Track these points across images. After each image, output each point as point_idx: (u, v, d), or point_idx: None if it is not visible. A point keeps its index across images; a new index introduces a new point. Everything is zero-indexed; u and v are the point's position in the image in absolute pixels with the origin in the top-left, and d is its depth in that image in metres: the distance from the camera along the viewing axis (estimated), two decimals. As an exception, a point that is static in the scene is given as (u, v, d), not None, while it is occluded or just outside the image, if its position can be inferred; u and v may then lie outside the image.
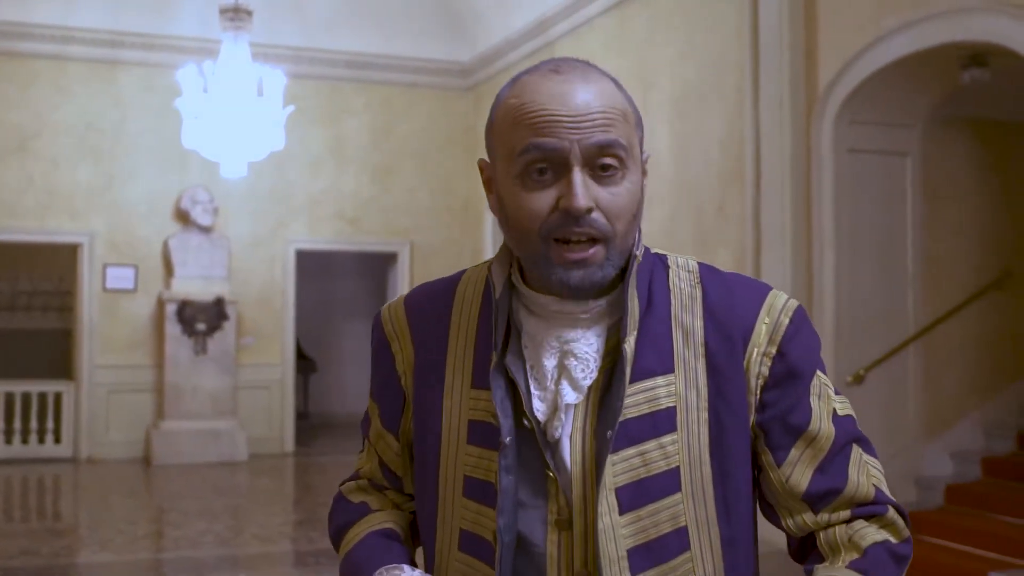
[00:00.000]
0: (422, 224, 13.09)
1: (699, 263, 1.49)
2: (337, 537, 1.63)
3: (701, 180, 8.66)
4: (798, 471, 1.43)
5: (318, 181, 12.75)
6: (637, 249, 1.43)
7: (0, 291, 14.31)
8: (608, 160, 1.35)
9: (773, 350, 1.42)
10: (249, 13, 9.61)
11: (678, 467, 1.39)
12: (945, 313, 7.78)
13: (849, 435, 1.46)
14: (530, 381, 1.42)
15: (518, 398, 1.43)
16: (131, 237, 12.05)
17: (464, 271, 1.58)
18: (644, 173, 1.43)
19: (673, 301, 1.44)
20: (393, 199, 13.01)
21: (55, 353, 13.69)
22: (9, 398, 11.94)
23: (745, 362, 1.42)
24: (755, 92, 7.72)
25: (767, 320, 1.43)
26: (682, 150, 8.94)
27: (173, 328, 11.81)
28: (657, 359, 1.41)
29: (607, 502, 1.37)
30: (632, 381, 1.39)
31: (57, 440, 11.92)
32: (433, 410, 1.49)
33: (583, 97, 1.35)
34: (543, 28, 11.17)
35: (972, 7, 6.08)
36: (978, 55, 6.57)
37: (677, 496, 1.39)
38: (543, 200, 1.35)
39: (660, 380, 1.40)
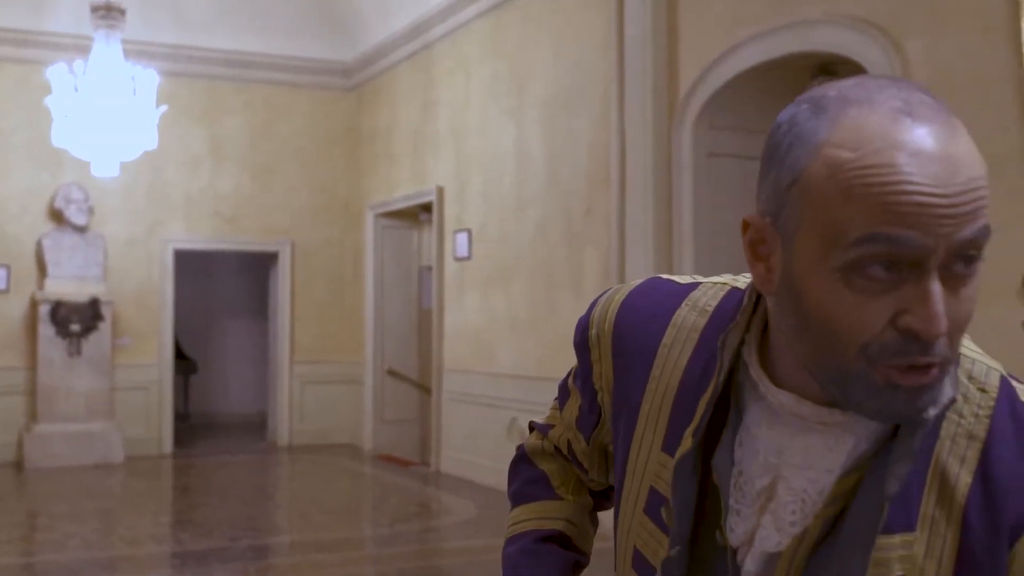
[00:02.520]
0: (302, 224, 13.08)
1: (1004, 379, 1.06)
2: (512, 502, 1.48)
3: (571, 182, 8.84)
4: None
5: (196, 180, 12.65)
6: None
7: None
8: (973, 252, 0.95)
9: None
10: (122, 12, 9.51)
11: None
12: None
13: None
14: (731, 491, 1.10)
15: (710, 501, 1.12)
16: (3, 236, 11.80)
17: (698, 284, 1.25)
18: None
19: (942, 432, 1.04)
20: (273, 199, 12.97)
21: (-76, 354, 13.35)
22: None
23: (1008, 561, 1.00)
24: (620, 98, 7.92)
25: None
26: (553, 153, 9.10)
27: (46, 329, 11.60)
28: (899, 508, 1.02)
29: None
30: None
31: (-74, 443, 11.64)
32: (619, 454, 1.24)
33: (958, 167, 0.93)
34: (421, 30, 11.26)
35: (815, 19, 6.33)
36: (827, 64, 6.83)
37: None
38: (876, 310, 0.95)
39: (896, 539, 1.02)
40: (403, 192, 11.97)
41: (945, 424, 1.03)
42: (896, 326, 0.94)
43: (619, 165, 7.92)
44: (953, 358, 0.98)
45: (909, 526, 1.02)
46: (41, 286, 11.81)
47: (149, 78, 9.61)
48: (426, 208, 11.60)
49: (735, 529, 1.10)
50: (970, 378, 1.05)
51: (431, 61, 11.31)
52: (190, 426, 14.87)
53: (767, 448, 1.09)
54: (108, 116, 9.34)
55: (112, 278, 12.15)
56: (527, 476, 1.47)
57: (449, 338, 10.82)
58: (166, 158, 12.12)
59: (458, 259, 10.66)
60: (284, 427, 13.10)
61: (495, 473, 9.78)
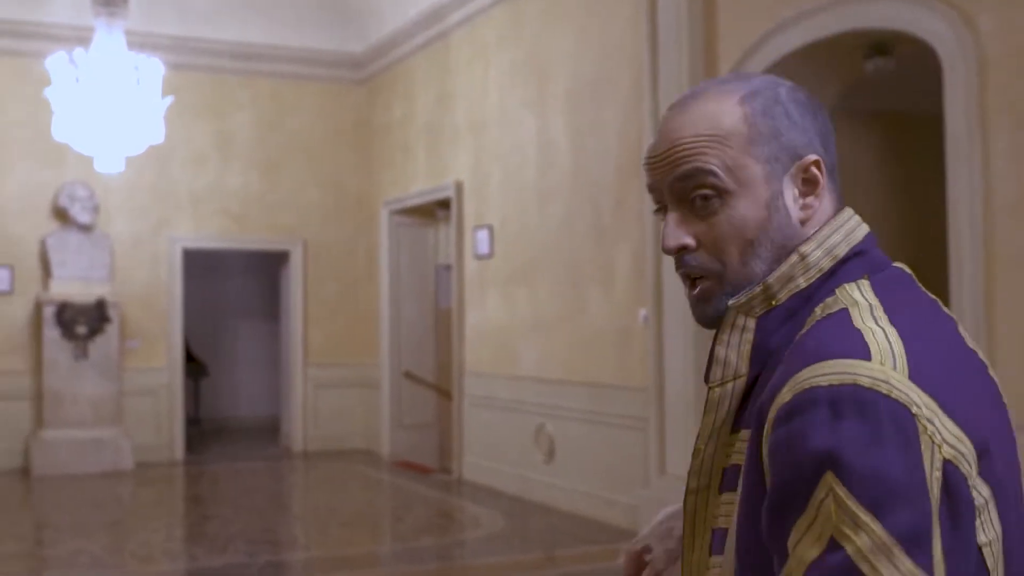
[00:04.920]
0: (314, 222, 12.65)
1: (844, 310, 1.20)
2: None
3: (598, 174, 8.39)
4: None
5: (203, 177, 12.22)
6: (750, 287, 1.26)
7: None
8: (702, 192, 1.26)
9: (769, 430, 1.13)
10: (124, 0, 9.08)
11: (726, 529, 1.25)
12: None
13: None
14: None
15: None
16: (5, 236, 11.40)
17: None
18: (805, 184, 1.28)
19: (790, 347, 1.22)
20: (282, 196, 12.54)
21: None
22: None
23: (762, 441, 1.16)
24: (654, 84, 7.46)
25: (783, 392, 1.13)
26: (578, 144, 8.66)
27: (52, 332, 11.20)
28: (753, 412, 1.22)
29: (703, 537, 1.30)
30: (735, 430, 1.26)
31: (-71, 451, 11.25)
32: None
33: (669, 132, 1.29)
34: (437, 18, 10.81)
35: (875, -7, 5.86)
36: (881, 43, 6.37)
37: (718, 559, 1.26)
38: None
39: (743, 434, 1.25)
40: (419, 188, 11.53)
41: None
42: None
43: (653, 155, 7.45)
44: (728, 271, 1.27)
45: (750, 424, 1.21)
46: (46, 287, 11.42)
47: (153, 68, 9.17)
48: (443, 204, 11.16)
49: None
50: (822, 311, 1.21)
51: (448, 50, 10.86)
52: (201, 431, 14.45)
53: None
54: (111, 108, 8.91)
55: (118, 278, 11.74)
56: None
57: (470, 339, 10.38)
58: (171, 154, 11.71)
59: (478, 257, 10.21)
60: (298, 432, 12.68)
61: (521, 481, 9.35)
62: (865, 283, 1.22)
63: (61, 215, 11.51)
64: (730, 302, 1.26)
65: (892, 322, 1.16)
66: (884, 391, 1.07)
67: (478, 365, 10.24)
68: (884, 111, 7.90)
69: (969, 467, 1.10)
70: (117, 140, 9.16)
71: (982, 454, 1.11)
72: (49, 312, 11.20)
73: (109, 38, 9.03)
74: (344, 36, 12.48)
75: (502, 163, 9.83)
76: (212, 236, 12.33)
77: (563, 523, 8.31)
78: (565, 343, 8.83)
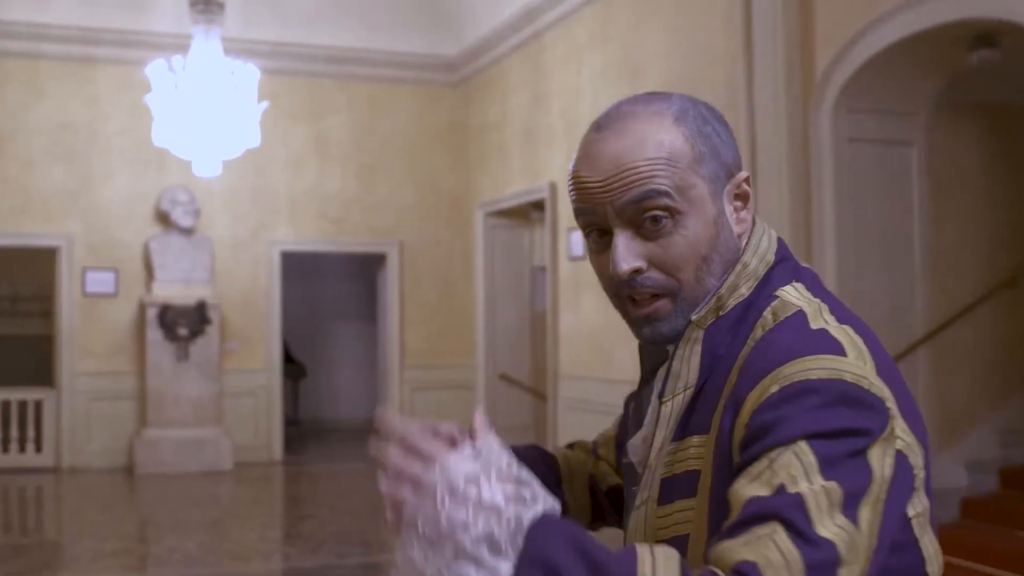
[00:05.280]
0: (410, 224, 12.69)
1: (799, 312, 1.27)
2: None
3: (694, 174, 8.22)
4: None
5: (301, 181, 12.34)
6: (706, 301, 1.32)
7: (-20, 297, 13.95)
8: (653, 213, 1.29)
9: (747, 419, 1.19)
10: (221, 6, 9.22)
11: (687, 535, 1.28)
12: (955, 313, 7.33)
13: (773, 509, 1.09)
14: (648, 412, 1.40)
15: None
16: (110, 240, 11.67)
17: None
18: (738, 199, 1.34)
19: (741, 353, 1.29)
20: (379, 199, 12.61)
21: (36, 360, 13.33)
22: (-10, 406, 11.57)
23: (734, 430, 1.22)
24: (748, 81, 7.28)
25: (764, 385, 1.19)
26: (675, 143, 8.50)
27: (154, 333, 11.42)
28: (704, 417, 1.29)
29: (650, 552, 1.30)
30: (680, 438, 1.31)
31: (38, 449, 11.53)
32: None
33: (612, 156, 1.30)
34: (530, 19, 10.75)
35: (979, -18, 5.63)
36: (987, 34, 6.12)
37: None
38: (604, 262, 1.32)
39: (696, 440, 1.29)
40: (514, 189, 11.48)
41: (745, 349, 1.27)
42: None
43: (749, 155, 7.27)
44: (683, 288, 1.31)
45: (704, 429, 1.27)
46: (149, 289, 11.64)
47: (249, 73, 9.28)
48: (538, 206, 11.10)
49: (632, 446, 1.41)
50: (774, 315, 1.27)
51: (541, 51, 10.79)
52: (300, 432, 14.62)
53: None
54: (208, 113, 9.04)
55: (219, 281, 11.93)
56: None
57: (564, 342, 10.29)
58: (269, 159, 11.87)
59: (573, 258, 10.12)
60: (394, 433, 12.69)
61: (615, 485, 9.22)
62: (800, 286, 1.31)
63: (163, 219, 11.73)
64: (693, 316, 1.32)
65: (841, 321, 1.25)
66: (866, 386, 1.16)
67: (572, 368, 10.15)
68: (990, 104, 7.62)
69: (915, 457, 1.21)
70: (214, 145, 9.30)
71: (920, 443, 1.23)
72: (152, 314, 11.42)
73: (207, 45, 9.16)
74: (438, 39, 12.50)
75: (596, 164, 9.71)
76: (310, 239, 12.45)
77: (657, 529, 8.18)
78: (659, 346, 8.69)
